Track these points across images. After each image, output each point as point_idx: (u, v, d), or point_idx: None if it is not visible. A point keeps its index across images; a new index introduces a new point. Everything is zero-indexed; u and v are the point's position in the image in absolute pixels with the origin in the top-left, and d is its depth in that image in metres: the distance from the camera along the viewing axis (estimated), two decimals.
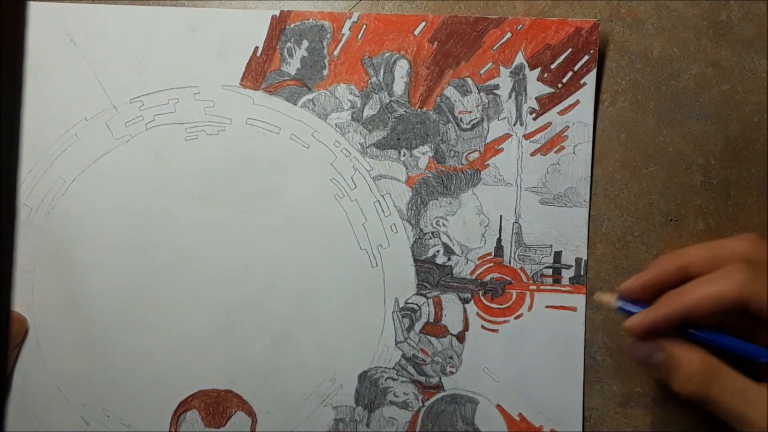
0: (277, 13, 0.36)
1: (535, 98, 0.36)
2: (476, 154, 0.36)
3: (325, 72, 0.37)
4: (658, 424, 0.36)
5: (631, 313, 0.31)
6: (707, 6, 0.36)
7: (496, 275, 0.36)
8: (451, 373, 0.36)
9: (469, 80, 0.36)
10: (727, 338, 0.30)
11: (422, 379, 0.36)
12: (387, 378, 0.36)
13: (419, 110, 0.36)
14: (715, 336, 0.30)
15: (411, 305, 0.36)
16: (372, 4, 0.37)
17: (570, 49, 0.36)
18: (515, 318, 0.36)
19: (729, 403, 0.29)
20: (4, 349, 0.18)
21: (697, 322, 0.30)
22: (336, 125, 0.37)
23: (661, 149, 0.36)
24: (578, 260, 0.36)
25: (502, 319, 0.36)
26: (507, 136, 0.36)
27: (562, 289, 0.36)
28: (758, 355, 0.29)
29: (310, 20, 0.36)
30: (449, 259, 0.36)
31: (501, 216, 0.36)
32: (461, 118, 0.36)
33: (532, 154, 0.36)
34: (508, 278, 0.36)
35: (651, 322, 0.30)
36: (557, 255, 0.36)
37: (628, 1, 0.36)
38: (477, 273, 0.36)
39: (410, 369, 0.36)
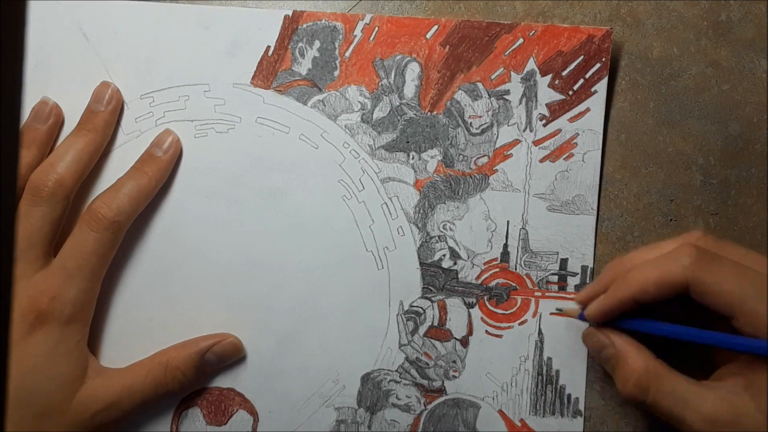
0: (290, 12, 0.36)
1: (546, 105, 0.36)
2: (485, 159, 0.36)
3: (336, 73, 0.37)
4: (657, 425, 0.35)
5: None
6: (707, 6, 0.36)
7: (501, 281, 0.36)
8: (454, 377, 0.36)
9: (480, 85, 0.36)
10: (679, 328, 0.30)
11: (425, 382, 0.36)
12: (390, 380, 0.36)
13: (429, 114, 0.36)
14: (665, 326, 0.30)
15: (416, 308, 0.36)
16: (372, 4, 0.37)
17: (582, 57, 0.36)
18: (519, 324, 0.36)
19: (667, 408, 0.29)
20: (5, 349, 0.18)
21: (651, 306, 0.30)
22: (345, 126, 0.37)
23: (660, 149, 0.36)
24: (584, 268, 0.36)
25: (506, 324, 0.36)
26: (516, 141, 0.36)
27: (567, 296, 0.36)
28: (720, 342, 0.29)
29: (323, 21, 0.36)
30: (455, 264, 0.36)
31: (508, 222, 0.36)
32: (471, 122, 0.36)
33: (541, 161, 0.36)
34: (514, 284, 0.36)
35: (604, 308, 0.31)
36: (563, 262, 0.36)
37: (628, 1, 0.36)
38: (482, 278, 0.36)
39: (413, 372, 0.36)
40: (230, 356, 0.36)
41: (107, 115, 0.36)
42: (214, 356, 0.35)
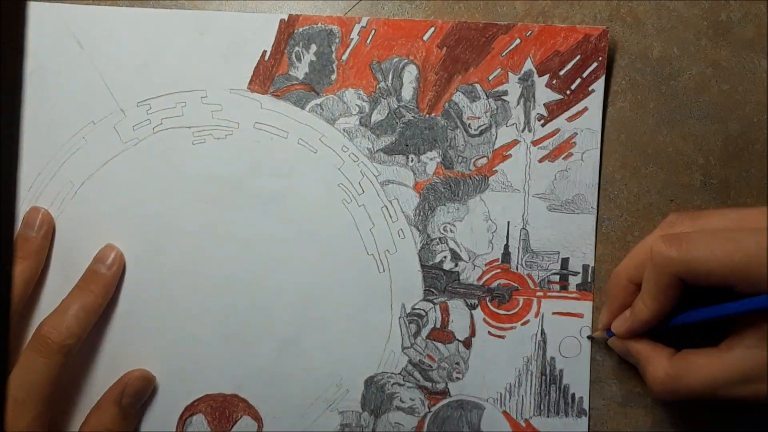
0: (286, 17, 0.36)
1: (544, 105, 0.36)
2: (484, 160, 0.36)
3: (334, 77, 0.36)
4: (658, 424, 0.36)
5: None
6: (707, 6, 0.36)
7: (503, 281, 0.36)
8: (458, 378, 0.36)
9: (478, 86, 0.36)
10: (701, 311, 0.31)
11: (428, 384, 0.36)
12: (393, 383, 0.36)
13: (427, 116, 0.36)
14: (687, 315, 0.31)
15: (418, 311, 0.36)
16: (372, 4, 0.37)
17: (579, 56, 0.36)
18: (522, 324, 0.36)
19: (701, 392, 0.30)
20: (4, 349, 0.18)
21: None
22: (344, 130, 0.36)
23: (661, 149, 0.36)
24: (585, 267, 0.36)
25: (509, 325, 0.36)
26: (515, 142, 0.36)
27: (569, 295, 0.36)
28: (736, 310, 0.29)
29: (319, 24, 0.36)
30: (456, 265, 0.36)
31: (508, 222, 0.36)
32: (469, 123, 0.36)
33: (540, 161, 0.36)
34: (515, 284, 0.36)
35: (628, 330, 0.33)
36: (564, 262, 0.36)
37: (628, 1, 0.36)
38: (484, 279, 0.36)
39: (417, 374, 0.36)
40: (145, 389, 0.36)
41: (39, 240, 0.35)
42: (130, 398, 0.35)
